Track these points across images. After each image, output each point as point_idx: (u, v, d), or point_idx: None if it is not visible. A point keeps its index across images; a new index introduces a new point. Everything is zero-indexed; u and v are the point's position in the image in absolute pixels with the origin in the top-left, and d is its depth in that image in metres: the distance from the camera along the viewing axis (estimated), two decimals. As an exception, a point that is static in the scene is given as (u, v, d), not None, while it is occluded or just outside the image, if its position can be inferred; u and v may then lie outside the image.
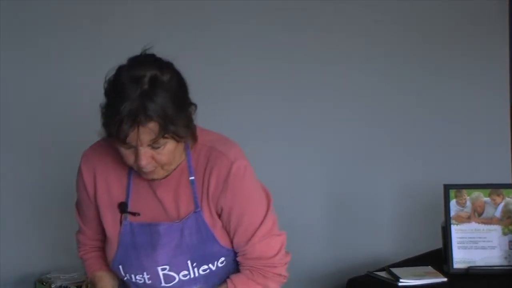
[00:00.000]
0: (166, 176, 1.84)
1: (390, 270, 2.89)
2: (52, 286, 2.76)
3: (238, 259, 1.93)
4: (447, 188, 2.95)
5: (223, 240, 1.89)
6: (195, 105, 1.82)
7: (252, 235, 1.87)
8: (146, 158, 1.75)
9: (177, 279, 1.87)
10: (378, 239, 3.51)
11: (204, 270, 1.88)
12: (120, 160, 1.84)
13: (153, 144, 1.74)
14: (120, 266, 1.89)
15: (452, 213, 2.93)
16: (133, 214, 1.87)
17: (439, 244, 3.04)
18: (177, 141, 1.78)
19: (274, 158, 3.18)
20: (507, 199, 2.93)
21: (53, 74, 2.90)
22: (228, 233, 1.90)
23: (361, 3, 3.42)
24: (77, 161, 3.02)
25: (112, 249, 1.91)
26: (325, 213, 3.40)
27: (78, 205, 2.01)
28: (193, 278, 1.87)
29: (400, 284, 2.77)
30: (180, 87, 1.79)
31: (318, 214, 3.39)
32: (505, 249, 2.89)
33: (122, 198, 1.89)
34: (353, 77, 3.46)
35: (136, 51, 1.81)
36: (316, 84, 3.39)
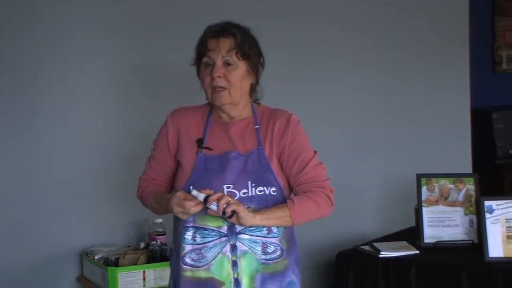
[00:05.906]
0: (231, 103, 2.23)
1: (372, 245, 3.14)
2: (96, 257, 2.95)
3: (294, 188, 2.27)
4: (419, 177, 3.19)
5: (276, 173, 2.25)
6: (263, 58, 2.29)
7: (306, 164, 2.26)
8: (219, 71, 2.20)
9: (237, 196, 2.21)
10: (363, 219, 3.69)
11: (260, 191, 2.22)
12: (197, 113, 2.30)
13: (227, 58, 2.20)
14: (191, 187, 2.19)
15: (423, 198, 3.17)
16: (208, 148, 2.26)
17: (412, 223, 3.29)
18: (246, 69, 2.22)
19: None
20: (468, 186, 3.17)
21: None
22: (286, 169, 2.26)
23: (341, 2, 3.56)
24: (98, 148, 3.09)
25: (186, 174, 2.26)
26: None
27: (155, 153, 2.36)
28: (250, 196, 2.22)
29: (380, 256, 3.02)
30: (254, 37, 2.28)
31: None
32: (466, 227, 3.14)
33: (200, 137, 2.29)
34: (343, 78, 3.59)
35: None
36: (306, 81, 3.49)
